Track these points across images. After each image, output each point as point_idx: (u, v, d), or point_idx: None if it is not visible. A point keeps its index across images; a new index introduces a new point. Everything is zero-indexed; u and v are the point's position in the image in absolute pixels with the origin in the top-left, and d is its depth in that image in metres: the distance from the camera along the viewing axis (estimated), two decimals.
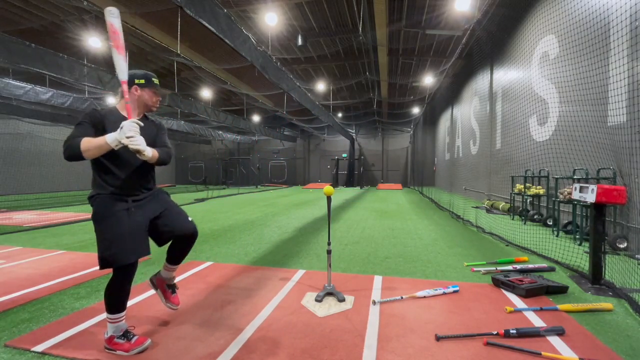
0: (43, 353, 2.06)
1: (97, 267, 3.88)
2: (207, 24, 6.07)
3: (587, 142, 4.78)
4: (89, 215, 2.22)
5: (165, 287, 2.47)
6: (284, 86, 10.42)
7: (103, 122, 1.98)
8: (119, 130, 1.84)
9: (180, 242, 2.29)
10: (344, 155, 26.13)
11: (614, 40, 4.35)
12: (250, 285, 3.23)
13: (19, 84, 10.23)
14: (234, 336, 2.26)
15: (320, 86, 15.59)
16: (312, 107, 13.69)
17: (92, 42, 10.20)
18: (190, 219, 2.29)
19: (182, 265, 3.96)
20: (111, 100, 14.65)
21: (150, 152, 1.93)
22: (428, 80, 14.16)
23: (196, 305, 2.80)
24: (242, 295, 3.01)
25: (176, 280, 3.44)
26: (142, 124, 1.90)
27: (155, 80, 2.18)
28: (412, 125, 24.10)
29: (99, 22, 9.36)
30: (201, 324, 2.46)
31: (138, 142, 1.85)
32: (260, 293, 3.03)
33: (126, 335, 2.08)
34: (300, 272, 3.65)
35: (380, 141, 26.79)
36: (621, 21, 4.14)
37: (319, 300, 2.84)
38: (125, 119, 1.97)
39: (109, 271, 2.06)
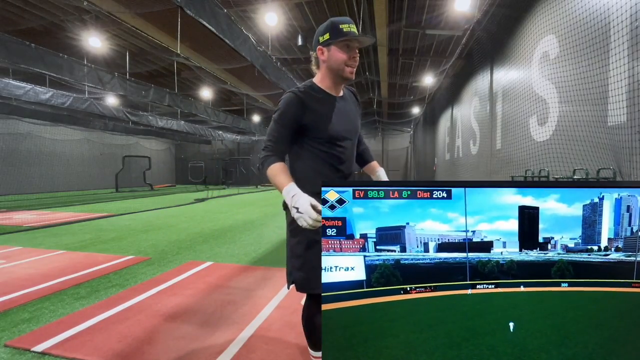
0: (43, 353, 2.05)
1: (97, 267, 3.92)
2: (207, 24, 6.07)
3: (587, 142, 4.77)
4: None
5: None
6: (284, 86, 10.41)
7: (309, 111, 1.54)
8: (295, 203, 1.34)
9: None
10: None
11: (614, 40, 4.34)
12: (250, 285, 3.23)
13: (19, 84, 10.21)
14: (234, 336, 2.26)
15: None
16: None
17: (92, 42, 10.18)
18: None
19: (182, 265, 3.96)
20: (111, 100, 14.66)
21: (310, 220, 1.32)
22: (428, 80, 14.16)
23: (196, 305, 2.80)
24: (242, 295, 3.01)
25: (176, 279, 3.45)
26: (320, 207, 1.28)
27: (347, 27, 1.51)
28: (412, 125, 24.10)
29: (99, 22, 9.35)
30: (201, 324, 2.45)
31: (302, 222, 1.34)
32: (260, 293, 3.02)
33: None
34: None
35: (380, 141, 26.78)
36: (621, 21, 4.13)
37: None
38: (330, 98, 1.60)
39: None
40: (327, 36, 1.52)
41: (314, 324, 1.60)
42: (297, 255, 1.57)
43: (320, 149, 1.58)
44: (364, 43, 1.56)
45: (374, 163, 1.96)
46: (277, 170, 1.48)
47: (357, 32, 1.53)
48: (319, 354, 1.61)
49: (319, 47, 1.56)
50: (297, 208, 1.34)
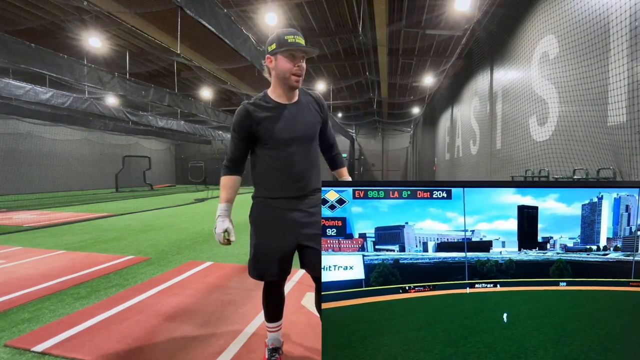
0: (43, 353, 2.06)
1: (97, 267, 3.92)
2: (207, 24, 6.07)
3: (587, 142, 4.78)
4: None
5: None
6: None
7: (256, 121, 1.67)
8: (216, 223, 1.72)
9: None
10: (344, 155, 26.08)
11: (614, 40, 4.34)
12: (250, 285, 3.23)
13: (19, 84, 10.21)
14: (234, 336, 2.27)
15: (320, 86, 15.58)
16: None
17: (92, 42, 10.19)
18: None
19: (182, 265, 3.97)
20: (111, 100, 14.67)
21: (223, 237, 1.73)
22: (428, 80, 14.16)
23: (196, 305, 2.80)
24: (242, 295, 3.02)
25: (176, 279, 3.45)
26: (232, 238, 1.73)
27: (292, 38, 1.61)
28: (412, 125, 24.11)
29: (99, 22, 9.36)
30: (201, 324, 2.46)
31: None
32: (260, 293, 3.02)
33: (272, 352, 1.90)
34: (300, 272, 3.65)
35: (380, 141, 26.78)
36: (621, 21, 4.14)
37: None
38: (279, 106, 1.70)
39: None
40: (274, 46, 1.63)
41: (264, 301, 1.91)
42: (250, 245, 1.79)
43: (268, 155, 1.71)
44: (309, 54, 1.68)
45: (342, 170, 2.08)
46: (223, 185, 1.77)
47: (303, 43, 1.64)
48: (268, 324, 1.92)
49: (267, 55, 1.68)
50: (215, 227, 1.71)
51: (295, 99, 1.75)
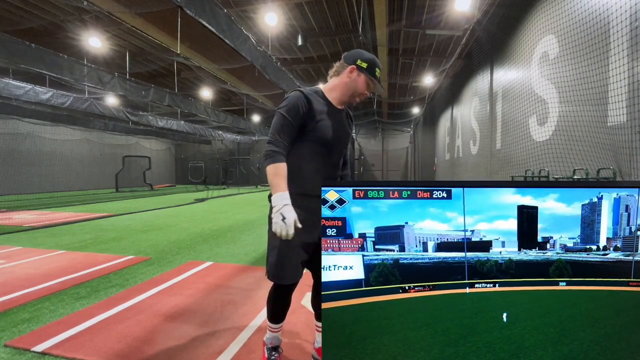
0: (43, 353, 2.06)
1: (97, 267, 3.92)
2: (207, 24, 6.08)
3: (587, 142, 4.78)
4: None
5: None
6: (284, 86, 10.42)
7: (311, 110, 1.68)
8: (279, 214, 1.49)
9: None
10: None
11: (614, 40, 4.34)
12: (250, 285, 3.23)
13: (19, 84, 10.21)
14: (234, 336, 2.27)
15: (321, 86, 15.58)
16: None
17: (92, 42, 10.19)
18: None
19: (182, 265, 3.97)
20: (111, 100, 14.67)
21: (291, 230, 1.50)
22: (428, 80, 14.15)
23: (196, 305, 2.80)
24: (242, 295, 3.01)
25: (176, 279, 3.46)
26: (299, 226, 1.50)
27: (379, 72, 1.77)
28: (412, 125, 24.11)
29: (99, 22, 9.36)
30: (201, 324, 2.46)
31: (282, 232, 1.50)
32: (260, 293, 3.02)
33: (272, 351, 1.90)
34: None
35: (380, 141, 26.78)
36: (621, 21, 4.14)
37: None
38: (331, 107, 1.76)
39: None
40: (365, 65, 1.74)
41: (270, 301, 1.85)
42: (271, 247, 1.72)
43: (309, 150, 1.71)
44: (376, 90, 1.82)
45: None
46: (277, 172, 1.58)
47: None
48: (273, 325, 1.88)
49: (354, 66, 1.75)
50: (283, 217, 1.48)
51: (342, 106, 1.86)
